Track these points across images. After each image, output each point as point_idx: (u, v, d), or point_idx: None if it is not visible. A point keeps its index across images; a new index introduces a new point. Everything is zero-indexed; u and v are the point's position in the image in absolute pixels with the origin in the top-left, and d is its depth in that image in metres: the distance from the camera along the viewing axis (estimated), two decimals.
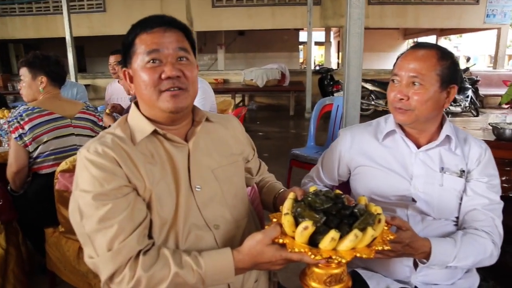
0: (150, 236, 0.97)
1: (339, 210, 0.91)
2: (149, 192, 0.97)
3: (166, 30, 1.01)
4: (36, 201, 2.13)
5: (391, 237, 0.93)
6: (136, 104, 1.09)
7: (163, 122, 1.05)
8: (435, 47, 1.23)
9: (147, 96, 1.01)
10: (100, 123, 2.44)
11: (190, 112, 1.12)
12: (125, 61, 1.07)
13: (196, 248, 0.99)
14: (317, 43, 18.31)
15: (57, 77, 2.30)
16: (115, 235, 0.89)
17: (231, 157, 1.16)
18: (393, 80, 1.27)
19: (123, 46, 1.07)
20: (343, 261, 0.82)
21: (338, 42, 18.15)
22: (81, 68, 13.08)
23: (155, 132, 1.03)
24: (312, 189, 1.01)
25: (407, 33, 15.53)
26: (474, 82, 8.19)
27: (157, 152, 1.02)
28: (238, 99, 9.77)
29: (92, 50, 13.06)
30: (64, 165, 1.76)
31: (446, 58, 1.21)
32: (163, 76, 0.98)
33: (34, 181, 2.19)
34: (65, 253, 1.95)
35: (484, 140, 1.37)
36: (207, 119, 1.15)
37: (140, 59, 1.00)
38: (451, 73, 1.21)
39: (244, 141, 1.25)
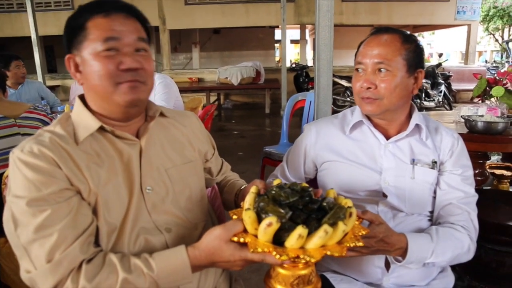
0: (97, 244, 0.87)
1: (306, 204, 0.83)
2: (95, 196, 0.87)
3: (126, 17, 0.91)
4: None
5: (363, 232, 0.85)
6: (82, 97, 0.98)
7: (116, 118, 0.95)
8: (397, 31, 1.17)
9: (101, 88, 0.89)
10: None
11: (144, 108, 1.02)
12: (70, 47, 0.94)
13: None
14: (292, 41, 18.41)
15: None
16: (55, 244, 0.79)
17: (187, 155, 1.06)
18: (357, 69, 1.19)
19: (68, 29, 0.94)
20: (312, 260, 0.73)
21: (314, 39, 18.23)
22: (51, 69, 12.69)
23: (102, 129, 0.92)
24: (276, 182, 0.93)
25: None
26: (447, 78, 8.34)
27: (104, 151, 0.92)
28: (213, 98, 9.66)
29: (63, 50, 12.55)
30: None
31: (410, 41, 1.15)
32: (121, 67, 0.88)
33: None
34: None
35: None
36: (162, 114, 1.05)
37: (93, 46, 0.88)
38: (416, 57, 1.15)
39: (203, 139, 1.15)
